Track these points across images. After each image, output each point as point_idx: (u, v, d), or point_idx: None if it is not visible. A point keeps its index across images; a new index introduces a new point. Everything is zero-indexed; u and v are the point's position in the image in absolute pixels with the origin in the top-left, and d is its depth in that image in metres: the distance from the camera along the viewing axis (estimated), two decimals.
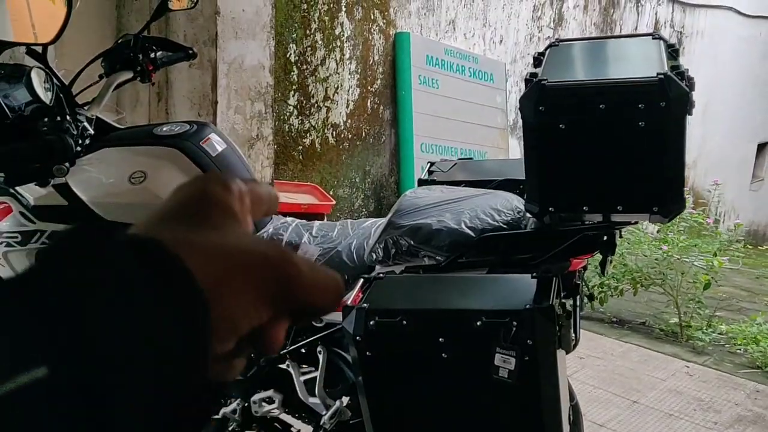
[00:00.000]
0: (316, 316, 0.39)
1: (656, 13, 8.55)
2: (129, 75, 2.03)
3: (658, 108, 1.41)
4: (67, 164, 1.69)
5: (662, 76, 1.41)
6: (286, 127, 4.34)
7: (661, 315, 4.49)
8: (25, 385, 0.24)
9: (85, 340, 0.25)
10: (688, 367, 3.70)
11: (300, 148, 4.45)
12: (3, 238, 1.88)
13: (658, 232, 4.68)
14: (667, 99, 1.41)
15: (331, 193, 4.55)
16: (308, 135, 4.50)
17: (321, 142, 4.59)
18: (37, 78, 1.64)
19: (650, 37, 1.70)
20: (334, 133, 4.67)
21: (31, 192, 1.86)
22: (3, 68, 1.81)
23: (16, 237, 1.87)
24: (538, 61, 1.69)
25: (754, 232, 10.54)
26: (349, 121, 4.77)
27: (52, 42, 1.62)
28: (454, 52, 5.48)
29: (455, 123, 5.31)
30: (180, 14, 3.45)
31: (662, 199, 1.47)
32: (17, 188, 1.87)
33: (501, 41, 6.25)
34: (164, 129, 1.95)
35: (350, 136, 4.79)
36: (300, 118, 4.42)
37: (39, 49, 1.81)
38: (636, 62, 1.61)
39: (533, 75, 1.56)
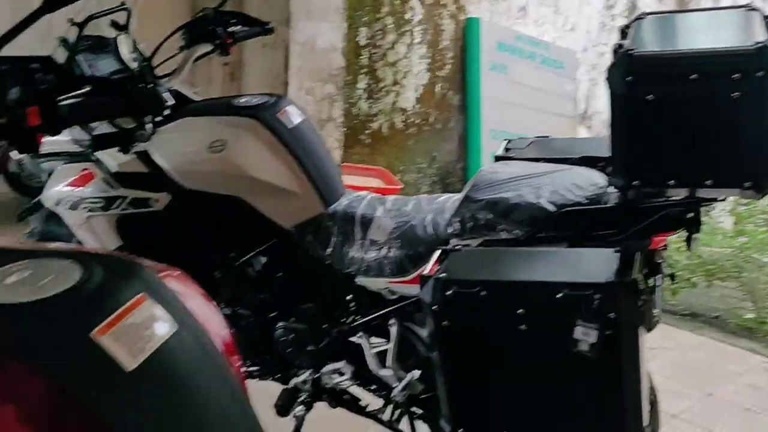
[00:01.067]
0: None
1: None
2: (208, 48, 2.06)
3: (755, 78, 1.36)
4: (149, 127, 1.71)
5: (760, 45, 1.36)
6: (355, 110, 4.35)
7: (735, 310, 4.35)
8: None
9: None
10: (766, 362, 3.58)
11: (368, 131, 4.46)
12: (86, 203, 1.94)
13: (735, 224, 4.54)
14: (764, 69, 1.35)
15: (398, 177, 4.54)
16: (376, 119, 4.50)
17: (389, 126, 4.58)
18: (125, 44, 1.68)
19: (744, 8, 1.63)
20: (402, 117, 4.66)
21: (113, 159, 1.91)
22: (88, 39, 1.86)
23: (99, 202, 1.93)
24: (624, 33, 1.64)
25: None
26: (418, 105, 4.75)
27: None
28: (525, 38, 5.40)
29: (524, 110, 5.24)
30: None
31: (755, 173, 1.42)
32: (100, 155, 1.93)
33: (572, 29, 6.13)
34: (242, 100, 1.97)
35: (418, 121, 4.78)
36: (369, 101, 4.42)
37: (122, 21, 1.85)
38: (729, 33, 1.55)
39: (620, 45, 1.52)
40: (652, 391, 1.96)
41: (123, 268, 0.74)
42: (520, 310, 1.44)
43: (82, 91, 1.04)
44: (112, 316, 0.67)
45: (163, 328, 0.71)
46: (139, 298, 0.71)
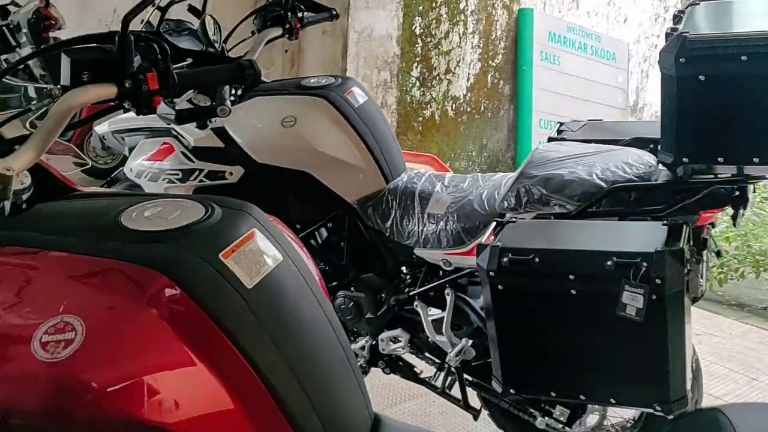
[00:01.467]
0: None
1: None
2: (278, 32, 2.18)
3: None
4: (229, 104, 1.85)
5: None
6: (408, 97, 4.46)
7: None
8: None
9: None
10: None
11: (420, 119, 4.56)
12: (165, 174, 2.09)
13: None
14: None
15: (447, 164, 4.64)
16: (429, 106, 4.60)
17: (440, 114, 4.68)
18: (210, 24, 1.82)
19: None
20: (453, 105, 4.76)
21: (191, 134, 2.06)
22: (168, 23, 2.00)
23: (177, 174, 2.08)
24: (677, 18, 1.72)
25: None
26: (469, 94, 4.84)
27: None
28: (577, 29, 5.44)
29: (575, 101, 5.28)
30: None
31: None
32: (179, 130, 2.08)
33: (625, 21, 6.14)
34: (312, 81, 2.11)
35: (469, 109, 4.86)
36: (422, 89, 4.52)
37: (199, 5, 1.99)
38: None
39: (674, 29, 1.60)
40: (696, 363, 2.03)
41: (237, 208, 0.87)
42: (571, 276, 1.54)
43: (187, 62, 1.17)
44: (233, 244, 0.80)
45: (272, 257, 0.84)
46: (252, 232, 0.84)
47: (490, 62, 4.94)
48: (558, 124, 2.23)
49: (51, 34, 4.46)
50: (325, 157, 2.01)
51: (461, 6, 4.63)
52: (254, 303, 0.79)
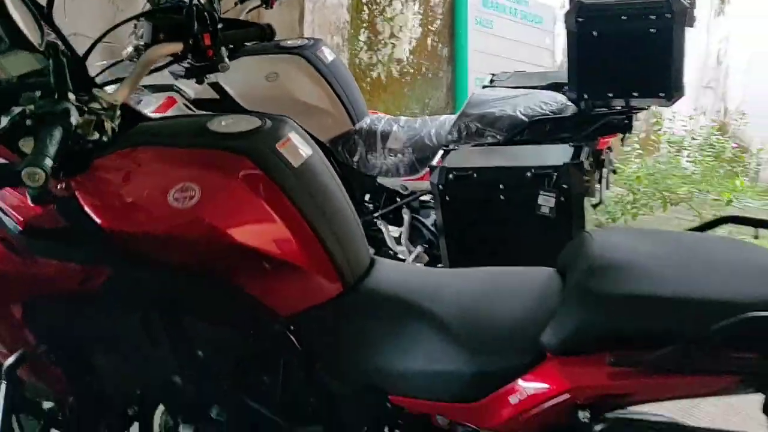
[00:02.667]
0: None
1: None
2: (257, 2, 2.62)
3: (665, 18, 1.95)
4: (227, 61, 2.27)
5: None
6: (357, 60, 4.89)
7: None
8: None
9: None
10: None
11: (368, 80, 5.00)
12: None
13: (688, 155, 5.16)
14: (671, 12, 1.94)
15: None
16: (375, 68, 5.04)
17: (386, 75, 5.13)
18: None
19: None
20: (397, 67, 5.20)
21: (191, 88, 2.48)
22: None
23: None
24: None
25: None
26: (411, 57, 5.30)
27: None
28: None
29: (507, 61, 5.77)
30: None
31: (666, 86, 2.01)
32: (180, 86, 2.49)
33: None
34: (288, 42, 2.54)
35: (412, 70, 5.32)
36: (369, 53, 4.96)
37: None
38: None
39: None
40: None
41: (278, 119, 1.32)
42: (501, 186, 2.04)
43: (221, 26, 1.59)
44: (283, 139, 1.26)
45: (306, 150, 1.29)
46: (292, 134, 1.29)
47: (430, 27, 5.40)
48: (491, 75, 2.73)
49: None
50: (302, 104, 2.46)
51: None
52: (299, 177, 1.24)
